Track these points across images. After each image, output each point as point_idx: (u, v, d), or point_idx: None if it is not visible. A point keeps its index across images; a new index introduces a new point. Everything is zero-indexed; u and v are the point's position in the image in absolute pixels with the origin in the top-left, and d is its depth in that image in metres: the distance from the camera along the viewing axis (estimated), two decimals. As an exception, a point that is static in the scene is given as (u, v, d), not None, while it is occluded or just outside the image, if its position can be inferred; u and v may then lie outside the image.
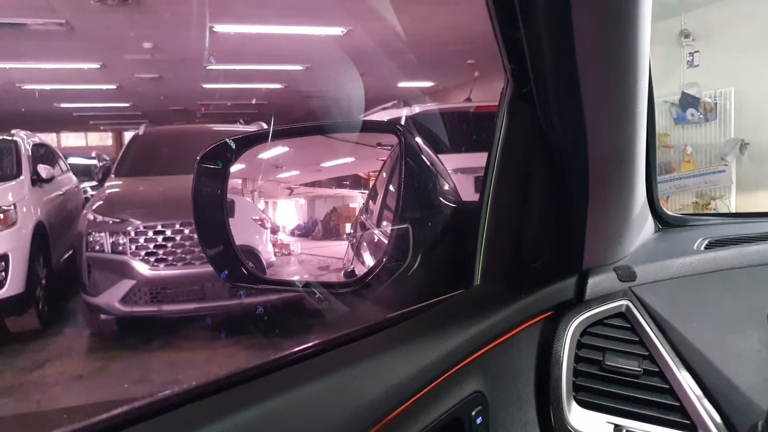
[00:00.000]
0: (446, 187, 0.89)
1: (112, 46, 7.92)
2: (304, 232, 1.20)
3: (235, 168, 0.88)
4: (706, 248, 0.86)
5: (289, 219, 1.25)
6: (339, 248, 1.20)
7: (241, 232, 0.88)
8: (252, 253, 1.04)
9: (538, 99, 0.64)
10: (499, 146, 0.72)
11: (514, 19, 0.57)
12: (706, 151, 6.33)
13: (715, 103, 6.23)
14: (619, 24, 0.55)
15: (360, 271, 1.03)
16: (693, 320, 0.72)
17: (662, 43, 6.61)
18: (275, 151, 1.09)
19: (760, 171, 5.86)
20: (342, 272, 1.14)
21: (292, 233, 1.20)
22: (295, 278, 1.05)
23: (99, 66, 9.35)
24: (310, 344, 0.56)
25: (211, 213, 0.82)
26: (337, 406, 0.49)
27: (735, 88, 6.07)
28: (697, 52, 6.48)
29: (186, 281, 4.12)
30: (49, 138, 13.47)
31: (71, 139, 21.43)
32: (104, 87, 11.44)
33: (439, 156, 0.98)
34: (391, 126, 0.89)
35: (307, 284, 0.90)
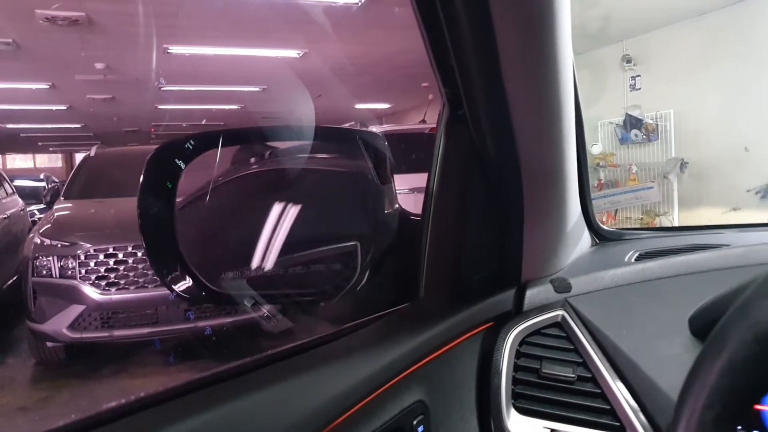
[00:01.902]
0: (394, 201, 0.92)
1: (63, 66, 7.71)
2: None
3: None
4: (636, 260, 0.92)
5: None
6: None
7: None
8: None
9: (471, 122, 0.68)
10: (438, 165, 0.76)
11: (445, 47, 0.62)
12: (650, 170, 6.63)
13: (657, 124, 6.54)
14: (542, 54, 0.59)
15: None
16: (623, 328, 0.76)
17: (606, 67, 6.92)
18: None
19: (700, 188, 6.17)
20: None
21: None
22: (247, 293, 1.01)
23: (48, 86, 9.09)
24: (251, 358, 0.57)
25: (159, 224, 0.73)
26: (275, 418, 0.51)
27: (674, 109, 6.40)
28: (639, 76, 6.81)
29: (138, 305, 4.00)
30: (-7, 160, 12.93)
31: (18, 161, 20.66)
32: (54, 107, 11.10)
33: (397, 176, 0.98)
34: (353, 133, 0.85)
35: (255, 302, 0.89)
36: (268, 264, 0.82)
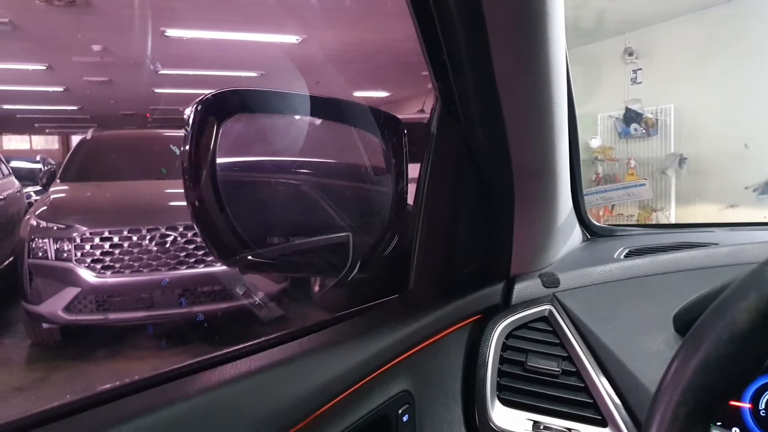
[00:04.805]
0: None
1: (59, 47, 7.65)
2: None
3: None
4: (625, 257, 0.92)
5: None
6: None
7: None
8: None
9: (463, 116, 0.69)
10: (431, 159, 0.77)
11: (438, 42, 0.62)
12: (648, 165, 6.63)
13: (657, 119, 6.53)
14: (534, 50, 0.59)
15: None
16: (608, 324, 0.77)
17: (608, 60, 6.89)
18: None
19: (698, 184, 6.18)
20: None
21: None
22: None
23: (45, 67, 9.03)
24: (237, 347, 0.58)
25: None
26: (260, 405, 0.51)
27: (675, 104, 6.39)
28: (640, 69, 6.78)
29: (134, 289, 4.02)
30: (-10, 140, 12.87)
31: (14, 142, 20.53)
32: (50, 89, 11.03)
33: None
34: (395, 119, 0.73)
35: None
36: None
